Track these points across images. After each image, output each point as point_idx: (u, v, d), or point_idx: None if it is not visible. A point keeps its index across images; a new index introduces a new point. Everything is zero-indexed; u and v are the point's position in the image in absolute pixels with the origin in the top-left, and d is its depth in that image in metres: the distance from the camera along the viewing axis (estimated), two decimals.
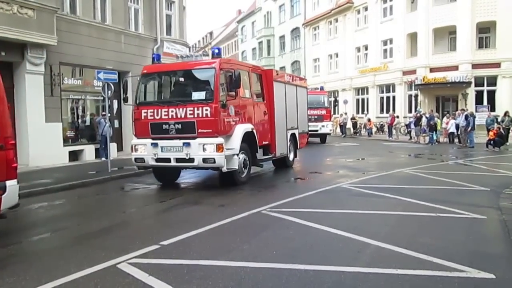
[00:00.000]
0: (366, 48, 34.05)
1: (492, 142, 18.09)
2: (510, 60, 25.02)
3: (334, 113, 33.12)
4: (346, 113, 31.44)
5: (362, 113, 34.02)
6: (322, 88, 25.53)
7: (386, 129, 28.07)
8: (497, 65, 25.48)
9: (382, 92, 33.00)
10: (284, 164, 12.59)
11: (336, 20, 37.31)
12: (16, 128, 13.27)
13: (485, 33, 26.78)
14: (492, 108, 24.82)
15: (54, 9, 13.33)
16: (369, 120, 30.35)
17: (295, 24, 43.79)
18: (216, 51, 9.29)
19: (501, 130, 18.84)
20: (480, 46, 26.82)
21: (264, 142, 10.77)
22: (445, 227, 5.87)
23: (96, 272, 4.25)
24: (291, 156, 12.85)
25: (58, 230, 6.31)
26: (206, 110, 8.64)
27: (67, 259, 4.73)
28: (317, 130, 22.44)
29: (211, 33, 75.99)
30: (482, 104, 25.42)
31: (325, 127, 23.14)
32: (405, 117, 28.53)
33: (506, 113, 20.54)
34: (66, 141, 14.84)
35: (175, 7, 19.53)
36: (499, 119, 21.19)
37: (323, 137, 23.78)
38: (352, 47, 35.15)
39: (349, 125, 30.94)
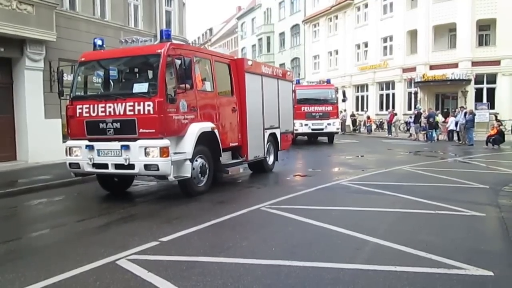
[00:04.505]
0: (366, 45, 34.03)
1: (491, 139, 18.09)
2: (510, 57, 25.02)
3: None
4: (345, 110, 31.41)
5: (362, 110, 34.01)
6: (329, 81, 22.17)
7: (385, 126, 28.07)
8: (497, 62, 25.49)
9: (382, 89, 33.02)
10: (261, 169, 11.00)
11: (336, 17, 37.27)
12: (16, 124, 13.29)
13: (485, 30, 26.79)
14: (492, 106, 24.85)
15: (53, 4, 13.27)
16: (368, 117, 30.32)
17: (295, 20, 43.73)
18: (167, 34, 7.75)
19: (501, 127, 18.89)
20: (480, 43, 26.82)
21: (232, 144, 9.26)
22: (444, 225, 5.88)
23: (95, 269, 4.26)
24: (270, 159, 11.29)
25: (57, 226, 6.31)
26: (149, 105, 7.15)
27: (66, 255, 4.74)
28: (322, 129, 20.27)
29: (210, 30, 75.86)
30: (482, 102, 25.44)
31: (332, 125, 20.33)
32: (404, 114, 28.53)
33: None
34: (65, 137, 14.79)
35: (175, 3, 19.45)
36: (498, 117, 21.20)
37: (330, 136, 21.27)
38: (352, 44, 35.12)
39: (349, 122, 30.90)
